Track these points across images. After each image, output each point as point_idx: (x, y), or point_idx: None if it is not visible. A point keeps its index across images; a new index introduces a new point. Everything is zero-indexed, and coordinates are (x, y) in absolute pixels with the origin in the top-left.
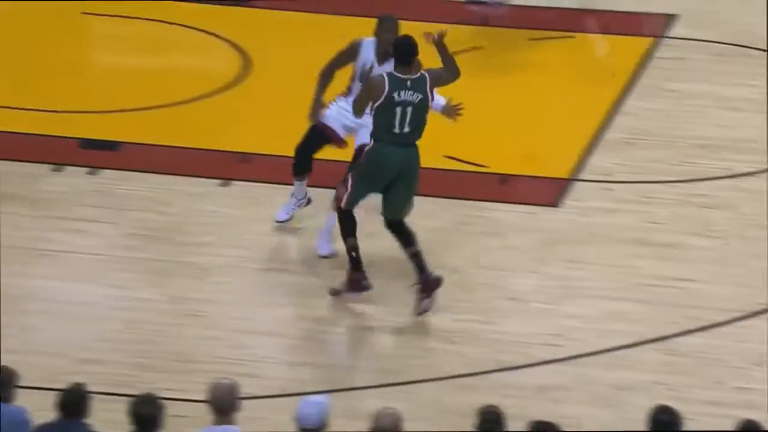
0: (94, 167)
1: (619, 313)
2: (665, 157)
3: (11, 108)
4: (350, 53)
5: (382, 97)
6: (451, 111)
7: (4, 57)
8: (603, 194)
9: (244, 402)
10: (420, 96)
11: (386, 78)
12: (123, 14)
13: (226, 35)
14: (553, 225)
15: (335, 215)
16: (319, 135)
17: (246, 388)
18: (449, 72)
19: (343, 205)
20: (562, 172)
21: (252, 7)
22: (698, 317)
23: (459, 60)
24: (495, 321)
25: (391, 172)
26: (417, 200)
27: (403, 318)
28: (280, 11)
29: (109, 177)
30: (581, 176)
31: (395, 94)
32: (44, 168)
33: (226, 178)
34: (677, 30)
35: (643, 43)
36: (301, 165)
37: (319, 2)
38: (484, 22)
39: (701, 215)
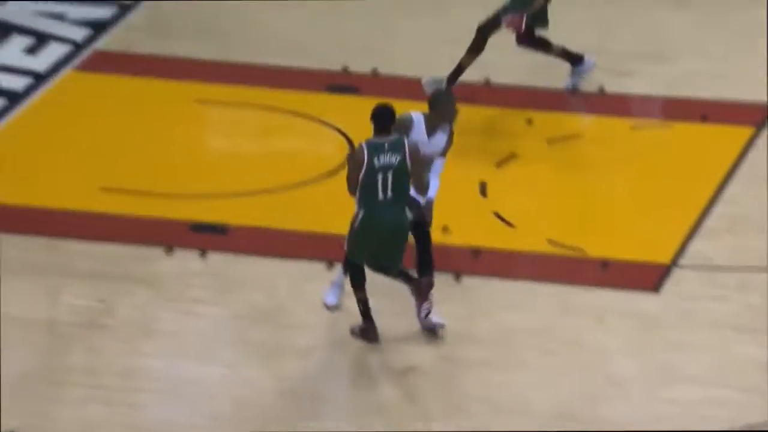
0: (204, 250)
1: (719, 398)
2: (766, 244)
3: (126, 191)
4: (404, 130)
5: (364, 166)
6: (428, 210)
7: (119, 141)
8: (704, 280)
9: None
10: (398, 157)
11: (365, 146)
12: (234, 101)
13: (333, 122)
14: (653, 310)
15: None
16: None
17: None
18: (417, 184)
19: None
20: (663, 258)
21: (357, 96)
22: None
23: (560, 146)
24: (595, 404)
25: (382, 236)
26: (519, 285)
27: (502, 402)
28: (384, 98)
29: (218, 259)
30: (682, 262)
31: (375, 160)
32: (157, 250)
33: (332, 261)
34: None
35: (744, 132)
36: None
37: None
38: (584, 109)
39: None
